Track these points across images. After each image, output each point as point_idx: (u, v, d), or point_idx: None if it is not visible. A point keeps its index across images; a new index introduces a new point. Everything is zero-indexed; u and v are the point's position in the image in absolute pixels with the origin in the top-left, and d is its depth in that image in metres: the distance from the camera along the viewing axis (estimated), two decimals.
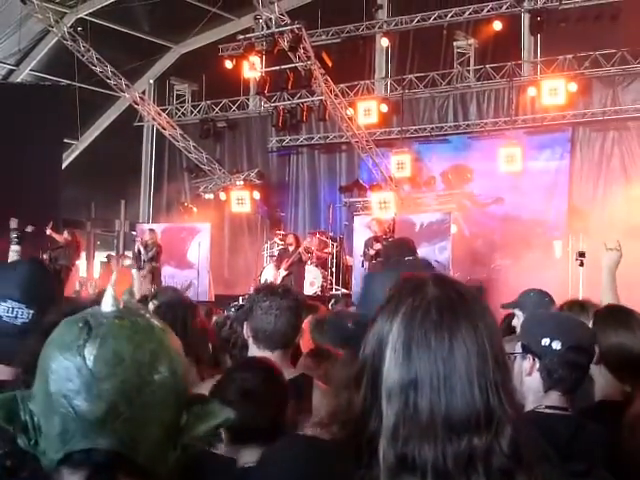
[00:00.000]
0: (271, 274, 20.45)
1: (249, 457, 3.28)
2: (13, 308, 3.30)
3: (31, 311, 3.28)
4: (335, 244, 22.05)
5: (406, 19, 23.77)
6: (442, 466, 1.72)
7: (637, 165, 20.82)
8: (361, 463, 1.85)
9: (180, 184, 28.23)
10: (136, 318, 1.67)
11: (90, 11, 24.68)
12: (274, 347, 4.39)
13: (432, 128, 23.53)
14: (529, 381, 3.47)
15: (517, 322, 5.93)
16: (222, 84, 26.09)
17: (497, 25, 22.20)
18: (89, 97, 25.37)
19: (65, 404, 1.58)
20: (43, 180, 22.84)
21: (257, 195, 25.71)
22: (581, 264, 16.74)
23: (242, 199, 25.67)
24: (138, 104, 25.47)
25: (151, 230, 21.52)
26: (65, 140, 26.04)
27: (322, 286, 21.06)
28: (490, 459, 1.72)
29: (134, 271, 10.24)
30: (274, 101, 24.51)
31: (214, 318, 7.32)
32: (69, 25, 23.67)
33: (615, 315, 4.24)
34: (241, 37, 22.88)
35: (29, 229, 18.11)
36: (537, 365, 3.44)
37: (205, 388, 3.45)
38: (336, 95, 22.54)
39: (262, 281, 19.20)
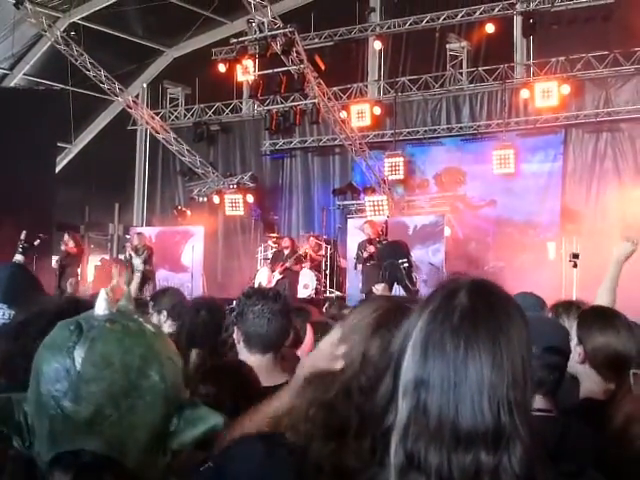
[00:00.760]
0: (265, 277, 20.46)
1: None
2: None
3: (12, 312, 3.30)
4: (329, 247, 22.05)
5: (399, 22, 23.77)
6: (447, 474, 1.72)
7: (630, 166, 20.84)
8: (374, 458, 1.87)
9: (174, 188, 28.24)
10: (128, 322, 1.68)
11: (83, 15, 24.66)
12: (266, 350, 4.39)
13: (425, 131, 23.52)
14: None
15: None
16: (215, 88, 26.08)
17: (490, 27, 22.20)
18: (83, 101, 25.32)
19: (54, 405, 1.59)
20: (37, 184, 22.76)
21: (251, 198, 25.69)
22: (574, 265, 16.73)
23: (236, 202, 25.65)
24: (131, 108, 25.45)
25: (139, 234, 21.44)
26: (59, 144, 25.98)
27: (316, 289, 21.07)
28: (499, 478, 1.71)
29: (116, 270, 10.21)
30: (267, 104, 24.51)
31: None
32: (62, 29, 23.64)
33: (600, 315, 4.24)
34: (234, 41, 22.87)
35: (37, 242, 18.11)
36: None
37: None
38: (329, 98, 22.54)
39: (256, 284, 19.19)
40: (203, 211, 26.14)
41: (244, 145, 26.99)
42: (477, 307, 1.81)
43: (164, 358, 1.68)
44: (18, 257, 10.53)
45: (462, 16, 22.77)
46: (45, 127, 23.41)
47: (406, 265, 17.46)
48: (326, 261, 21.81)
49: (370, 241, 19.08)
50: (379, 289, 9.91)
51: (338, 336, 2.34)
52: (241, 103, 26.84)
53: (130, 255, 20.18)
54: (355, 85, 24.49)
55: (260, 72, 23.16)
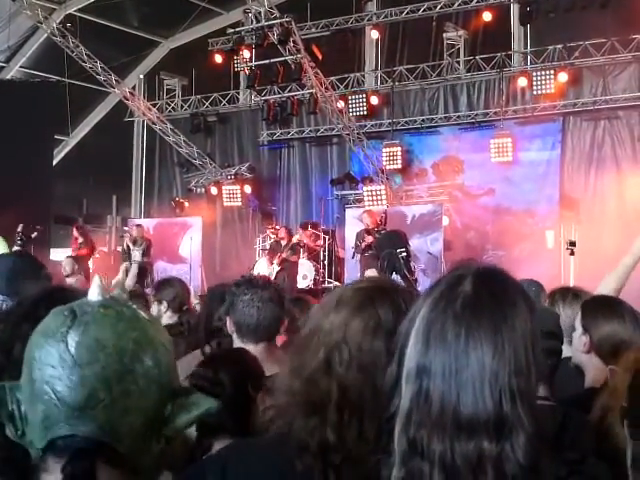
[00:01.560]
0: (264, 268, 20.46)
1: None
2: None
3: (11, 303, 3.31)
4: (327, 237, 22.05)
5: (395, 11, 23.72)
6: (450, 461, 1.72)
7: (628, 154, 20.84)
8: (379, 444, 1.86)
9: (171, 179, 28.26)
10: (122, 308, 1.68)
11: (79, 7, 24.60)
12: (258, 340, 4.37)
13: (423, 120, 23.52)
14: None
15: None
16: (212, 78, 26.10)
17: (487, 16, 22.18)
18: (79, 93, 25.30)
19: (47, 390, 1.59)
20: (34, 176, 22.79)
21: (248, 189, 25.68)
22: (571, 253, 16.77)
23: (233, 193, 25.65)
24: (128, 99, 25.43)
25: (138, 225, 21.48)
26: (56, 136, 25.98)
27: (315, 279, 21.06)
28: (502, 465, 1.70)
29: (125, 264, 10.23)
30: (264, 95, 24.52)
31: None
32: (58, 21, 23.61)
33: (605, 304, 4.23)
34: (231, 31, 22.85)
35: (34, 235, 18.09)
36: None
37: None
38: (326, 88, 22.53)
39: (255, 275, 19.19)
40: (201, 202, 26.16)
41: (241, 136, 26.98)
42: (480, 295, 1.80)
43: (158, 344, 1.68)
44: (16, 250, 10.53)
45: (459, 4, 22.74)
46: (42, 119, 23.42)
47: (404, 255, 17.48)
48: (324, 251, 21.80)
49: (368, 231, 19.11)
50: (371, 275, 9.91)
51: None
52: (238, 94, 26.81)
53: (128, 246, 20.16)
54: (352, 75, 24.47)
55: (257, 62, 23.15)
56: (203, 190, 26.57)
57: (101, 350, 1.59)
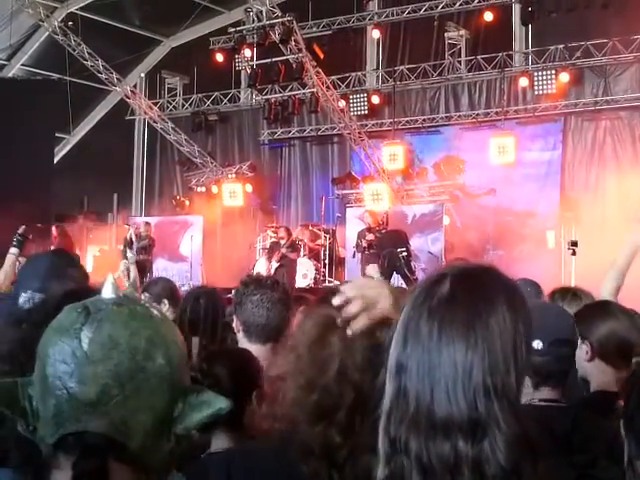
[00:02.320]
0: (263, 267, 20.47)
1: (221, 443, 3.37)
2: (31, 298, 3.43)
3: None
4: (328, 236, 22.05)
5: (397, 10, 23.75)
6: (427, 461, 1.71)
7: (629, 154, 20.84)
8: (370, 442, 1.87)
9: (172, 177, 28.28)
10: (135, 306, 1.70)
11: (81, 5, 24.61)
12: (266, 340, 4.36)
13: (424, 119, 23.53)
14: None
15: None
16: (213, 77, 26.10)
17: (488, 16, 22.18)
18: (81, 91, 25.28)
19: (60, 386, 1.60)
20: (35, 175, 22.75)
21: (249, 188, 25.68)
22: (573, 253, 16.76)
23: (234, 192, 25.63)
24: (130, 98, 25.46)
25: (147, 223, 21.58)
26: (57, 134, 25.96)
27: (315, 278, 21.06)
28: (481, 467, 1.69)
29: (124, 262, 10.20)
30: (266, 94, 24.53)
31: None
32: (60, 19, 23.66)
33: (597, 308, 4.27)
34: (232, 30, 22.84)
35: (31, 236, 18.07)
36: None
37: None
38: (328, 87, 22.53)
39: (255, 273, 19.19)
40: (202, 201, 26.16)
41: (242, 134, 27.00)
42: (455, 292, 1.80)
43: (170, 342, 1.69)
44: (13, 250, 10.52)
45: (460, 4, 22.76)
46: (43, 118, 23.36)
47: (405, 254, 17.51)
48: (325, 250, 21.80)
49: (369, 229, 19.13)
50: (372, 271, 9.90)
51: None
52: (239, 92, 26.82)
53: (131, 238, 20.16)
54: (354, 74, 24.47)
55: (258, 61, 23.15)
56: (204, 189, 26.57)
57: (114, 347, 1.61)
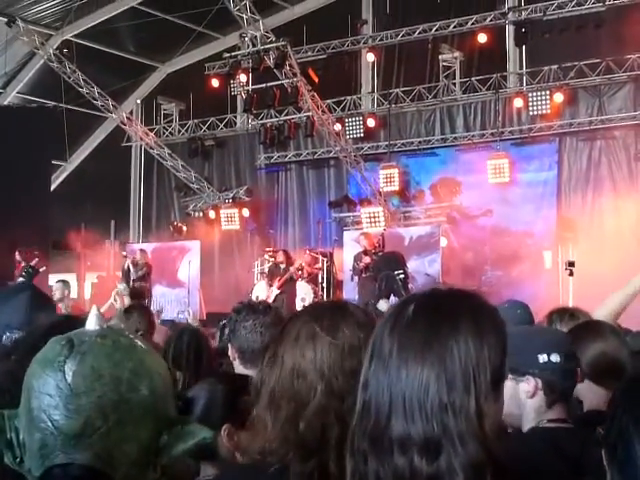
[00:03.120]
0: (263, 291, 20.47)
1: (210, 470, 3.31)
2: (12, 335, 3.44)
3: None
4: (325, 259, 22.05)
5: (391, 34, 23.83)
6: (383, 476, 1.72)
7: (624, 173, 20.87)
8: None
9: (169, 203, 28.29)
10: (119, 337, 1.70)
11: (76, 32, 24.70)
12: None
13: (419, 142, 23.55)
14: (531, 403, 3.39)
15: None
16: (209, 102, 26.15)
17: (482, 37, 22.23)
18: (77, 118, 25.32)
19: (44, 418, 1.61)
20: (32, 202, 22.75)
21: (246, 212, 25.69)
22: (570, 274, 16.76)
23: (231, 217, 25.66)
24: (126, 124, 25.50)
25: (142, 250, 21.57)
26: (53, 162, 25.98)
27: (313, 302, 21.02)
28: None
29: (116, 290, 10.18)
30: (261, 118, 24.57)
31: None
32: (55, 47, 23.73)
33: (585, 329, 4.28)
34: (227, 55, 22.89)
35: (42, 269, 17.98)
36: (539, 384, 3.37)
37: None
38: (323, 111, 22.59)
39: (254, 298, 19.19)
40: (199, 226, 26.19)
41: (239, 159, 27.02)
42: (417, 314, 1.82)
43: (154, 373, 1.70)
44: (21, 281, 10.56)
45: (454, 26, 22.85)
46: (39, 145, 23.39)
47: (402, 276, 17.50)
48: (322, 274, 21.79)
49: (365, 252, 19.17)
50: (383, 306, 9.86)
51: None
52: (235, 117, 26.88)
53: (128, 267, 20.18)
54: (349, 97, 24.53)
55: (254, 86, 23.22)
56: (201, 214, 26.59)
57: (97, 379, 1.61)
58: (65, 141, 25.04)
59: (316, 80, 22.10)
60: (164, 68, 28.17)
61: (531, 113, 21.63)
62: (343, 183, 24.82)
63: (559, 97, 21.22)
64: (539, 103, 21.34)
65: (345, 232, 22.99)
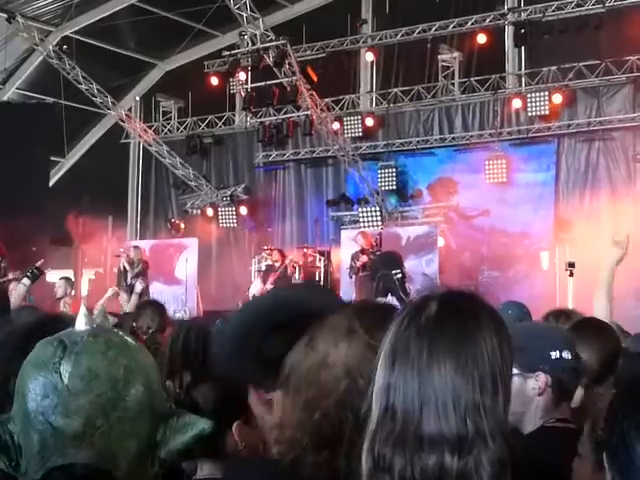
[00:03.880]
0: (258, 289, 20.45)
1: (207, 469, 3.32)
2: None
3: None
4: (323, 258, 22.05)
5: (390, 33, 23.84)
6: (410, 476, 1.73)
7: (622, 175, 20.87)
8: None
9: (167, 200, 28.26)
10: (110, 335, 1.72)
11: (75, 29, 24.68)
12: None
13: (418, 141, 23.53)
14: (539, 400, 3.38)
15: None
16: (208, 100, 26.14)
17: (481, 38, 22.24)
18: (75, 115, 25.30)
19: (43, 421, 1.61)
20: (30, 198, 22.76)
21: (244, 210, 25.69)
22: (571, 274, 16.75)
23: (229, 215, 25.67)
24: (124, 121, 25.49)
25: (135, 247, 21.50)
26: (52, 158, 25.98)
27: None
28: None
29: (113, 288, 10.23)
30: (260, 116, 24.57)
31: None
32: (54, 43, 23.69)
33: (577, 328, 4.28)
34: (226, 53, 22.93)
35: (48, 271, 17.93)
36: (549, 380, 3.37)
37: None
38: (322, 110, 22.60)
39: (250, 296, 19.20)
40: (197, 224, 26.19)
41: (237, 157, 27.00)
42: (444, 313, 1.83)
43: (147, 368, 1.72)
44: (25, 281, 10.55)
45: (454, 27, 22.85)
46: (38, 141, 23.40)
47: (399, 276, 17.48)
48: (320, 272, 21.79)
49: (362, 251, 19.16)
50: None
51: None
52: (234, 115, 26.86)
53: (124, 267, 20.17)
54: (347, 96, 24.53)
55: (252, 84, 23.20)
56: (199, 211, 26.60)
57: (94, 379, 1.63)
58: (64, 137, 25.01)
59: (315, 79, 22.11)
60: (163, 65, 28.13)
61: (530, 114, 21.64)
62: (341, 182, 24.80)
63: (558, 98, 21.23)
64: (538, 104, 21.35)
65: (342, 231, 22.97)
